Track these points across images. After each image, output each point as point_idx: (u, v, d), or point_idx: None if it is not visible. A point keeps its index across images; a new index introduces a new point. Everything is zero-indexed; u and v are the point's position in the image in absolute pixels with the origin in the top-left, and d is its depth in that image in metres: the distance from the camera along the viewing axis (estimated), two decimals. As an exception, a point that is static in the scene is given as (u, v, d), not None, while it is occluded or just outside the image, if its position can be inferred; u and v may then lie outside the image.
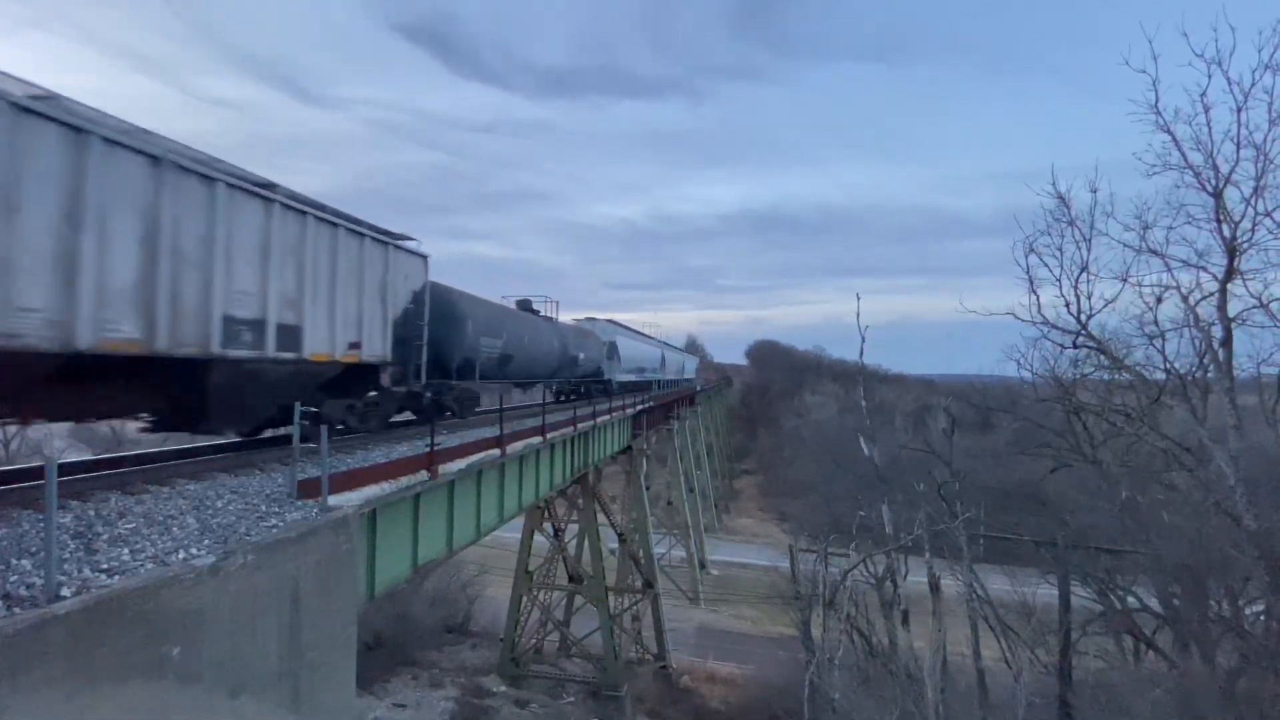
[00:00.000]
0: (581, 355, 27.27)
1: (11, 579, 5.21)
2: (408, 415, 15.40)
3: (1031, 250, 17.33)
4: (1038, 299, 17.52)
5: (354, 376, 11.97)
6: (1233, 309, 14.50)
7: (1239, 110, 13.54)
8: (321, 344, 10.63)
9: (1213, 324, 14.99)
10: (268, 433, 12.12)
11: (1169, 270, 15.45)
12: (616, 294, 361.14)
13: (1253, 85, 13.41)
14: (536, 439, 16.68)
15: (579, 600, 31.20)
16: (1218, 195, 14.15)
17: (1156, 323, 16.34)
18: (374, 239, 12.05)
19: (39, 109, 6.30)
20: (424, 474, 10.83)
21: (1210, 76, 13.67)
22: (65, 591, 4.97)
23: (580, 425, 21.15)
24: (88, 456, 10.63)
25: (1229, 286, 14.38)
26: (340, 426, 12.26)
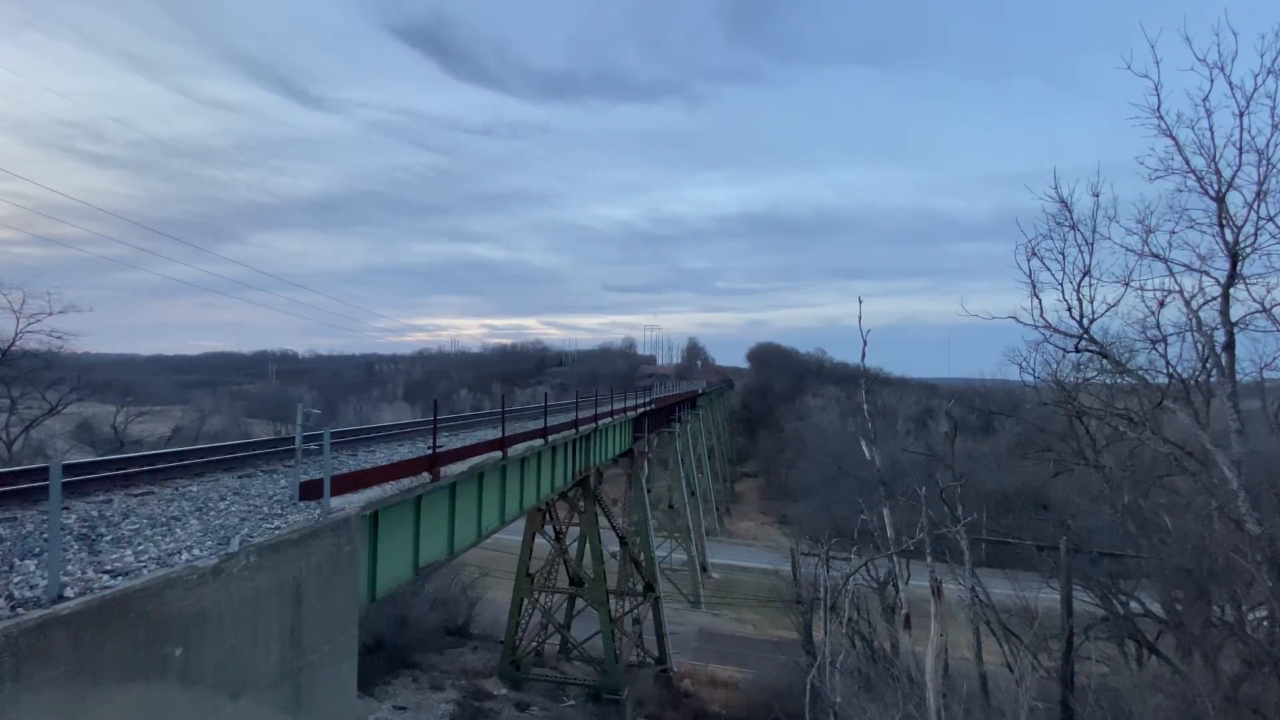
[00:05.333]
0: None
1: (15, 580, 5.22)
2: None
3: (1033, 254, 17.30)
4: (1039, 302, 17.47)
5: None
6: (1235, 313, 14.47)
7: (1241, 115, 13.53)
8: None
9: (1215, 328, 14.95)
10: (269, 435, 12.17)
11: (1171, 274, 15.42)
12: (616, 296, 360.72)
13: (1255, 90, 13.40)
14: (538, 441, 16.70)
15: (580, 603, 31.19)
16: (1220, 199, 14.13)
17: (1159, 327, 16.30)
18: None
19: None
20: (425, 476, 10.85)
21: (1212, 81, 13.66)
22: (69, 592, 4.98)
23: (582, 428, 21.17)
24: (91, 458, 10.67)
25: (1231, 291, 14.34)
26: None
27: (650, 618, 32.37)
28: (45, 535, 6.33)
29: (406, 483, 10.26)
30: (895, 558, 18.04)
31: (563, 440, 19.29)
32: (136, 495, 8.35)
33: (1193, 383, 16.27)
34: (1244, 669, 13.33)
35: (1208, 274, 14.83)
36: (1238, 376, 14.74)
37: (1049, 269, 17.17)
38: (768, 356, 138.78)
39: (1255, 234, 13.91)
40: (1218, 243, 14.43)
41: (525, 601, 28.84)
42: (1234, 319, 14.42)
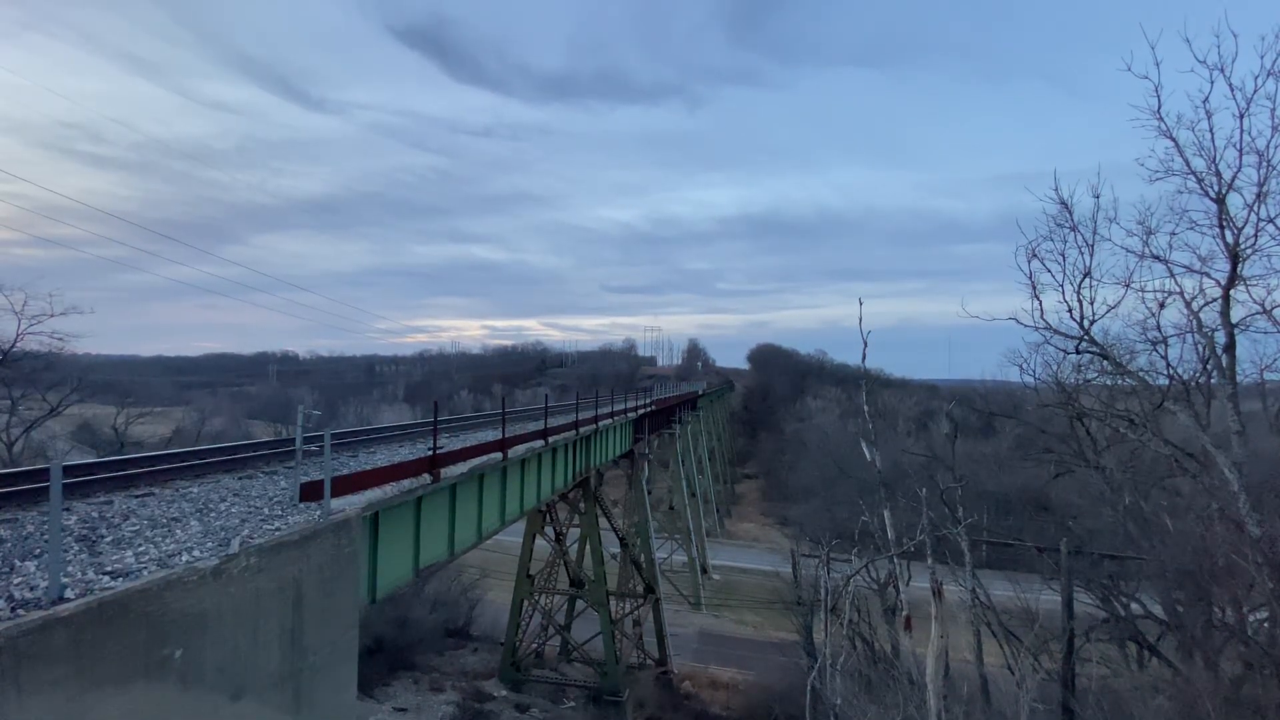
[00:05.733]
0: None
1: (16, 581, 5.22)
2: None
3: (1034, 255, 17.30)
4: (1040, 304, 17.47)
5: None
6: (1235, 315, 14.47)
7: (1241, 116, 13.55)
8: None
9: (1216, 330, 14.95)
10: (270, 436, 12.21)
11: (1172, 276, 15.42)
12: (616, 297, 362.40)
13: (1255, 91, 13.42)
14: (539, 442, 16.70)
15: (580, 605, 31.17)
16: (1220, 201, 14.14)
17: (1159, 328, 16.30)
18: None
19: None
20: (426, 477, 10.85)
21: (1212, 82, 13.68)
22: (69, 593, 4.98)
23: (582, 429, 21.17)
24: (91, 459, 10.67)
25: (1232, 292, 14.34)
26: None
27: (650, 619, 32.34)
28: (46, 536, 6.33)
29: (407, 484, 10.27)
30: (896, 559, 18.02)
31: (563, 441, 19.28)
32: (137, 496, 8.35)
33: (1193, 384, 16.27)
34: (1245, 671, 13.31)
35: (1208, 275, 14.84)
36: (1238, 378, 14.74)
37: (1049, 270, 17.19)
38: (768, 358, 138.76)
39: (1255, 235, 13.92)
40: (1218, 244, 14.45)
41: (525, 603, 28.83)
42: (1234, 320, 14.42)
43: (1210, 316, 15.05)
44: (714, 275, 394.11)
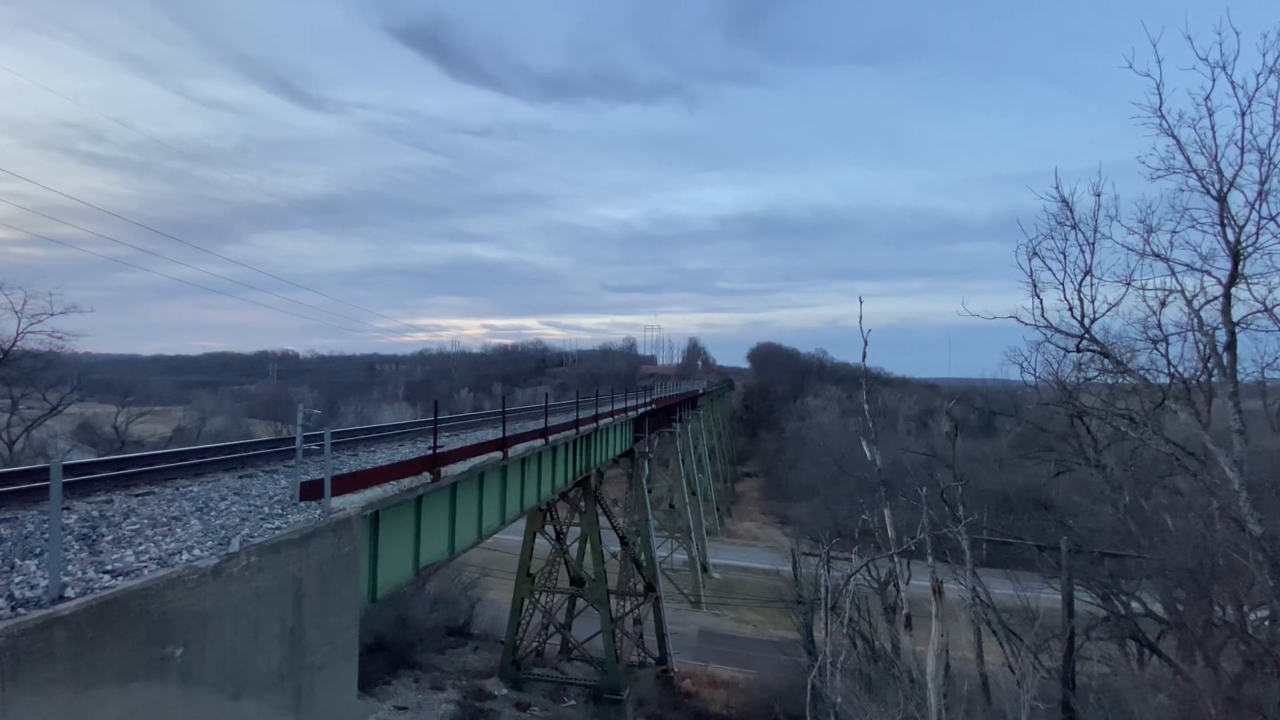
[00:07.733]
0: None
1: (16, 580, 5.22)
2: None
3: (1034, 254, 17.26)
4: (1040, 303, 17.43)
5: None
6: (1237, 313, 14.44)
7: (1243, 114, 13.51)
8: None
9: (1216, 328, 14.93)
10: (270, 435, 12.20)
11: (1173, 274, 15.38)
12: (616, 296, 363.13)
13: (1257, 89, 13.38)
14: (539, 441, 16.69)
15: (580, 603, 31.18)
16: (1222, 199, 14.11)
17: (1160, 327, 16.28)
18: None
19: None
20: (426, 476, 10.85)
21: (1214, 80, 13.64)
22: (69, 592, 4.98)
23: (582, 428, 21.16)
24: (91, 458, 10.67)
25: (1233, 291, 14.31)
26: None
27: (651, 618, 32.36)
28: (46, 535, 6.33)
29: (407, 483, 10.26)
30: (896, 558, 18.02)
31: (563, 440, 19.27)
32: (137, 495, 8.35)
33: (1194, 383, 16.26)
34: (1245, 669, 13.31)
35: (1209, 274, 14.81)
36: (1239, 376, 14.72)
37: (1050, 269, 17.15)
38: (768, 357, 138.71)
39: (1257, 233, 13.89)
40: (1219, 242, 14.42)
41: (526, 601, 28.83)
42: (1235, 319, 14.40)
43: (1211, 315, 15.03)
44: (713, 274, 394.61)
